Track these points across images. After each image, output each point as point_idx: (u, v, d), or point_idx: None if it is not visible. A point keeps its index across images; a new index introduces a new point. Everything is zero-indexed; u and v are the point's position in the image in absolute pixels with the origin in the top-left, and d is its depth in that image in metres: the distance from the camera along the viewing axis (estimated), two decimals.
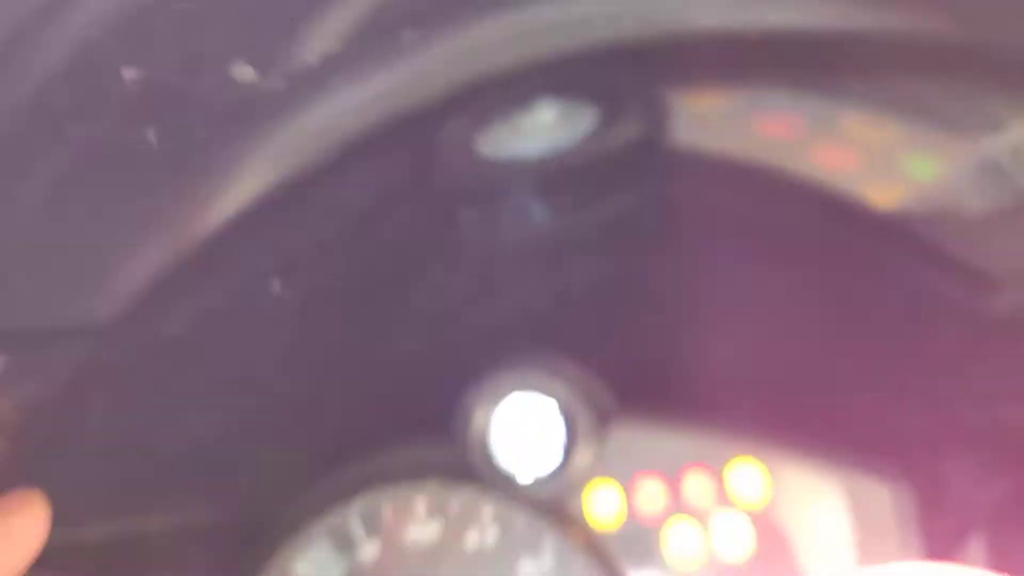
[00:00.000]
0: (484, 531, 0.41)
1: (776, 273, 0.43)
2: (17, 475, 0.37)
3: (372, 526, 0.41)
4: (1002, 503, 0.44)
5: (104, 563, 0.42)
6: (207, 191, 0.34)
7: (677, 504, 0.40)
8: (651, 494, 0.40)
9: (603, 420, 0.40)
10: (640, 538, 0.40)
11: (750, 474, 0.40)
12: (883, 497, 0.39)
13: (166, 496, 0.45)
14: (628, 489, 0.40)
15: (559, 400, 0.40)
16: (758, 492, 0.40)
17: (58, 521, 0.38)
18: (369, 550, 0.41)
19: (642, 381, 0.43)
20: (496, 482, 0.40)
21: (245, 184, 0.34)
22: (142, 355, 0.39)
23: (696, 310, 0.45)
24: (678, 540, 0.40)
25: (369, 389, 0.45)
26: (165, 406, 0.41)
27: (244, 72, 0.30)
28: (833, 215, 0.38)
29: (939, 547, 0.44)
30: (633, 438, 0.41)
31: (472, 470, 0.40)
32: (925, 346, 0.43)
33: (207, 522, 0.47)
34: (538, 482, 0.40)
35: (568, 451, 0.40)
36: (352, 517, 0.41)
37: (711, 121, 0.38)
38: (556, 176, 0.39)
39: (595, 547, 0.40)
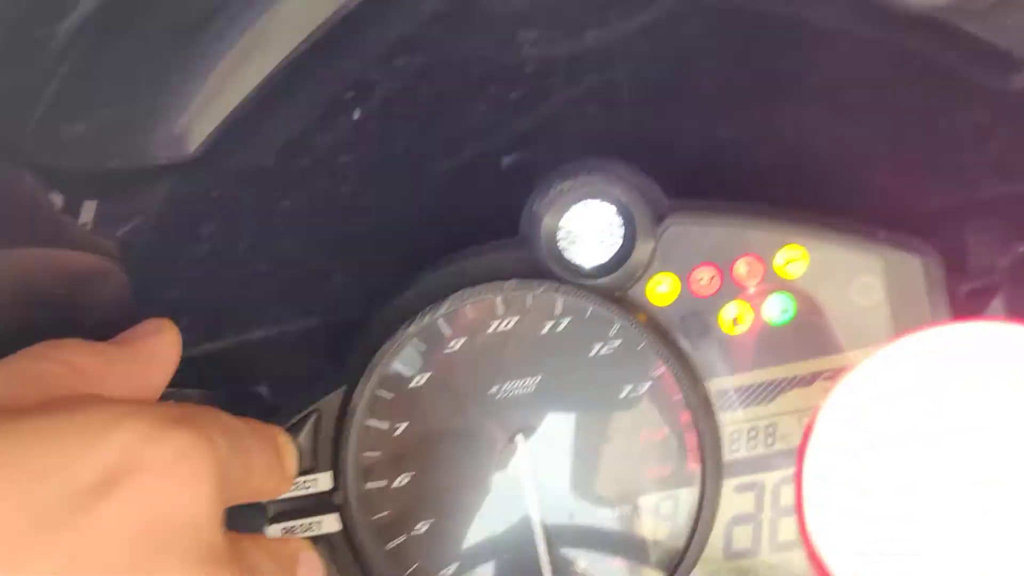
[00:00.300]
0: (558, 321, 0.45)
1: (809, 67, 0.46)
2: (134, 304, 0.41)
3: (457, 325, 0.46)
4: (1019, 265, 0.48)
5: (211, 375, 0.47)
6: (279, 27, 0.37)
7: (729, 286, 0.44)
8: (705, 280, 0.44)
9: (658, 217, 0.44)
10: (696, 314, 0.45)
11: (794, 256, 0.44)
12: (914, 268, 0.43)
13: (265, 312, 0.50)
14: (685, 278, 0.44)
15: (618, 201, 0.44)
16: (802, 271, 0.44)
17: None
18: (455, 345, 0.46)
19: (692, 179, 0.47)
20: (566, 279, 0.44)
21: (310, 17, 0.37)
22: (237, 185, 0.43)
23: (736, 107, 0.48)
24: (730, 313, 0.45)
25: (442, 199, 0.49)
26: (261, 230, 0.45)
27: None
28: (857, 8, 0.41)
29: (965, 308, 0.48)
30: (687, 232, 0.44)
31: (544, 270, 0.44)
32: (948, 126, 0.46)
33: (302, 331, 0.51)
34: (603, 276, 0.44)
35: (629, 247, 0.44)
36: (439, 318, 0.45)
37: None
38: None
39: (657, 326, 0.45)
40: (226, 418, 0.36)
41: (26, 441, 0.28)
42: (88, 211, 0.38)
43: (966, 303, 0.49)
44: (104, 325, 0.38)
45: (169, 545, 0.29)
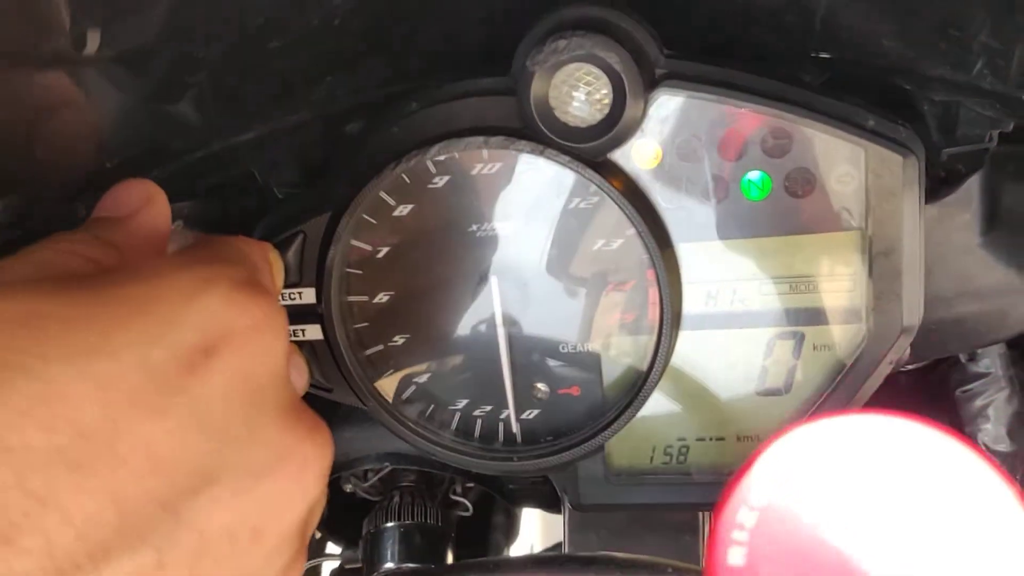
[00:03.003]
0: (540, 171, 0.46)
1: None
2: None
3: (442, 164, 0.46)
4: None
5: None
6: None
7: (711, 158, 0.45)
8: (687, 150, 0.45)
9: (650, 84, 0.44)
10: (675, 180, 0.46)
11: (778, 137, 0.44)
12: (894, 164, 0.43)
13: (256, 116, 0.50)
14: (668, 146, 0.45)
15: (610, 68, 0.43)
16: (784, 152, 0.44)
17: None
18: (439, 182, 0.47)
19: (692, 28, 0.46)
20: (552, 137, 0.44)
21: None
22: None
23: None
24: (708, 183, 0.45)
25: (431, 23, 0.48)
26: (264, 49, 0.44)
27: None
28: None
29: (942, 173, 0.49)
30: (675, 104, 0.44)
31: (530, 124, 0.44)
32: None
33: (292, 126, 0.52)
34: (590, 140, 0.44)
35: (617, 113, 0.44)
36: (427, 160, 0.46)
37: None
38: None
39: (635, 190, 0.46)
40: (243, 245, 0.39)
41: (128, 306, 0.30)
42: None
43: (944, 165, 0.49)
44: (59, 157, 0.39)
45: (263, 397, 0.33)
